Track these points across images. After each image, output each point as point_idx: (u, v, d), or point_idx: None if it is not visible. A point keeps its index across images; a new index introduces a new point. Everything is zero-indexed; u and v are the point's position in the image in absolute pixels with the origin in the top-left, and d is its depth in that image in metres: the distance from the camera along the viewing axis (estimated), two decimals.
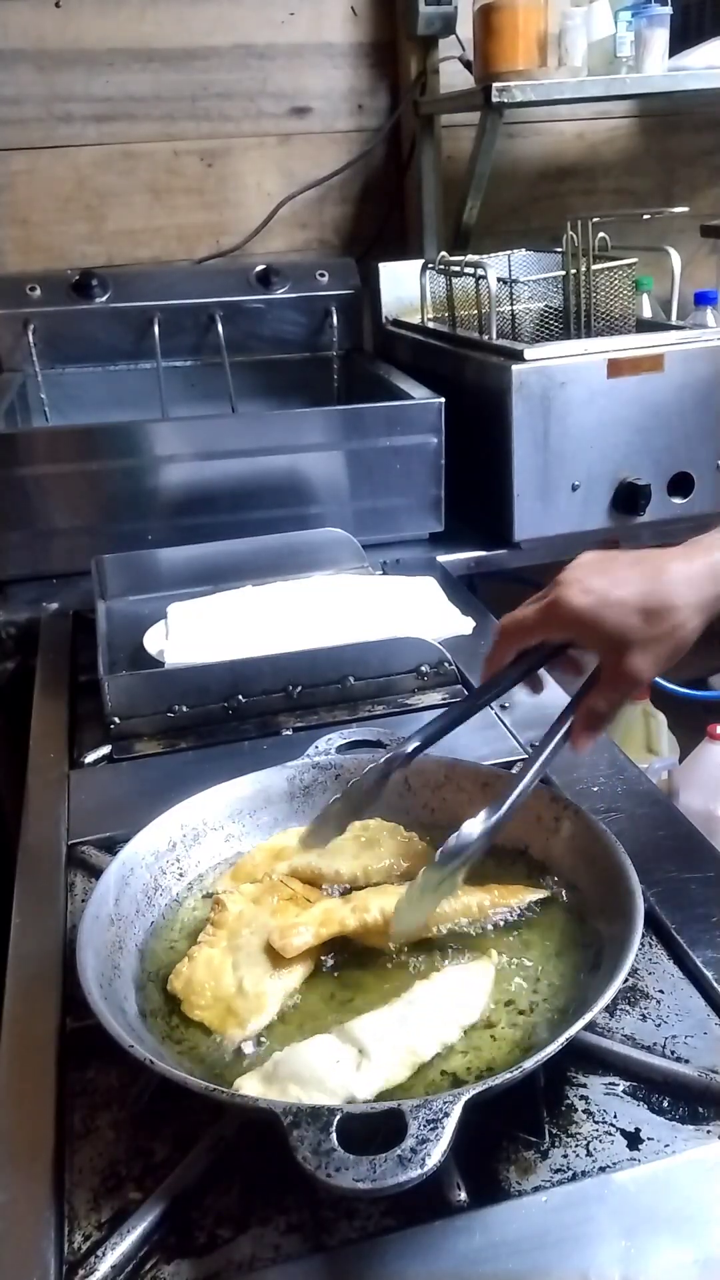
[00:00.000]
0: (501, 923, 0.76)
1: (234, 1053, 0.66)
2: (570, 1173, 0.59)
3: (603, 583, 0.74)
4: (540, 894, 0.78)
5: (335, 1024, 0.66)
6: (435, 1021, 0.65)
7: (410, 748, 0.81)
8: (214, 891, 0.80)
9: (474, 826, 0.70)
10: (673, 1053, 0.66)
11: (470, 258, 1.69)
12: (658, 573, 0.74)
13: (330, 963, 0.73)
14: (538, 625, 0.77)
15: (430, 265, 1.84)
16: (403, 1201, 0.57)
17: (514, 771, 0.77)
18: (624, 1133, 0.61)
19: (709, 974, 0.71)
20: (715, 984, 0.71)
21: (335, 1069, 0.61)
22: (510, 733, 1.04)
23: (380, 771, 0.80)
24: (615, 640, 0.73)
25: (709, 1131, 0.61)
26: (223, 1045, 0.67)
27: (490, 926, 0.76)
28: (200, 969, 0.71)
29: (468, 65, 1.89)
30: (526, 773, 0.74)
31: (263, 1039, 0.67)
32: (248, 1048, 0.66)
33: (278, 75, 2.02)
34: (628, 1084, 0.64)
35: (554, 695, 1.12)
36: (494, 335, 1.59)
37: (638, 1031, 0.68)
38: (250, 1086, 0.61)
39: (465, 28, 1.86)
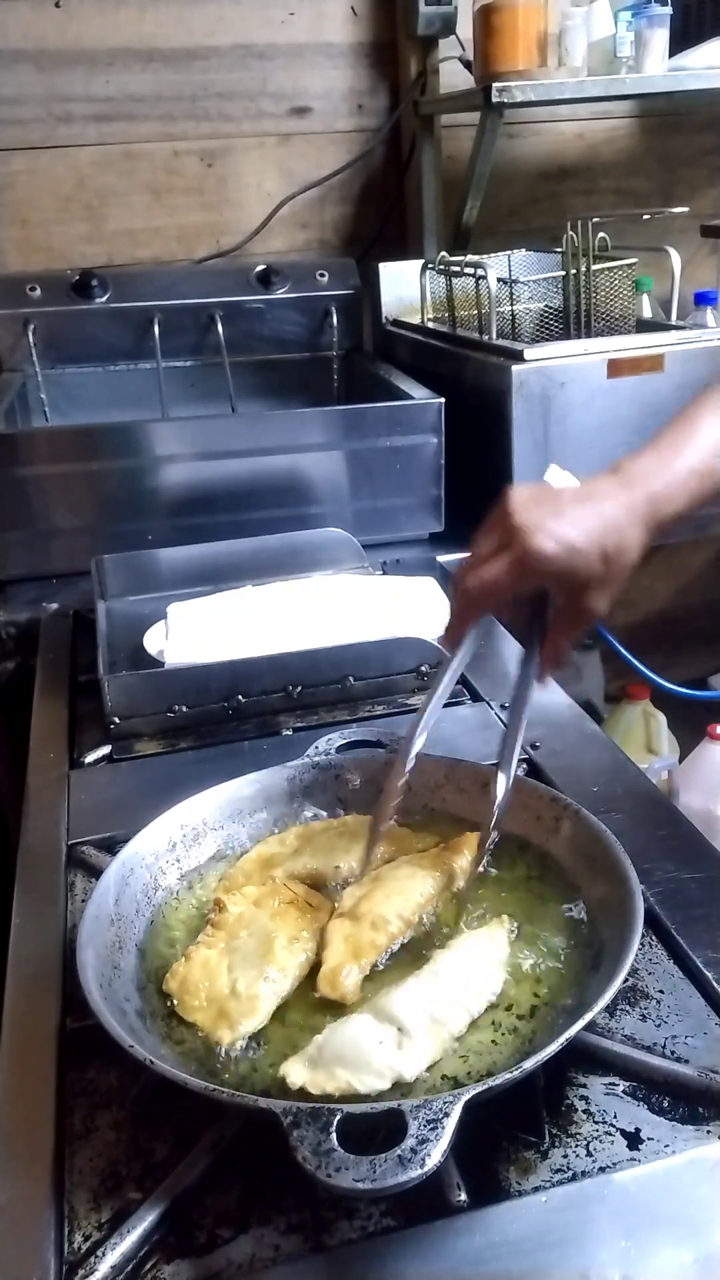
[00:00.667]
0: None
1: (224, 1054, 0.66)
2: (570, 1173, 0.59)
3: (563, 527, 0.74)
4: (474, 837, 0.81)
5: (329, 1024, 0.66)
6: (461, 994, 0.66)
7: (415, 745, 0.82)
8: (211, 902, 0.80)
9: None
10: (673, 1053, 0.66)
11: (470, 258, 1.69)
12: (609, 512, 0.75)
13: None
14: (510, 582, 0.75)
15: (430, 265, 1.84)
16: (403, 1201, 0.57)
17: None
18: (624, 1133, 0.61)
19: (709, 974, 0.71)
20: (715, 984, 0.71)
21: (379, 1050, 0.61)
22: None
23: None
24: (581, 583, 0.75)
25: (709, 1131, 0.61)
26: (219, 1045, 0.67)
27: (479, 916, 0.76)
28: (196, 969, 0.71)
29: (468, 65, 1.88)
30: (515, 720, 0.80)
31: (257, 1041, 0.67)
32: (239, 1049, 0.66)
33: (278, 75, 2.02)
34: (628, 1084, 0.64)
35: (557, 697, 1.12)
36: (494, 335, 1.59)
37: (638, 1031, 0.68)
38: (296, 1073, 0.61)
39: (465, 28, 1.86)
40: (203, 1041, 0.67)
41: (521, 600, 0.81)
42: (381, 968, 0.72)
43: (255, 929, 0.74)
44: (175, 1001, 0.70)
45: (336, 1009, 0.68)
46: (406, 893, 0.76)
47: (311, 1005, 0.70)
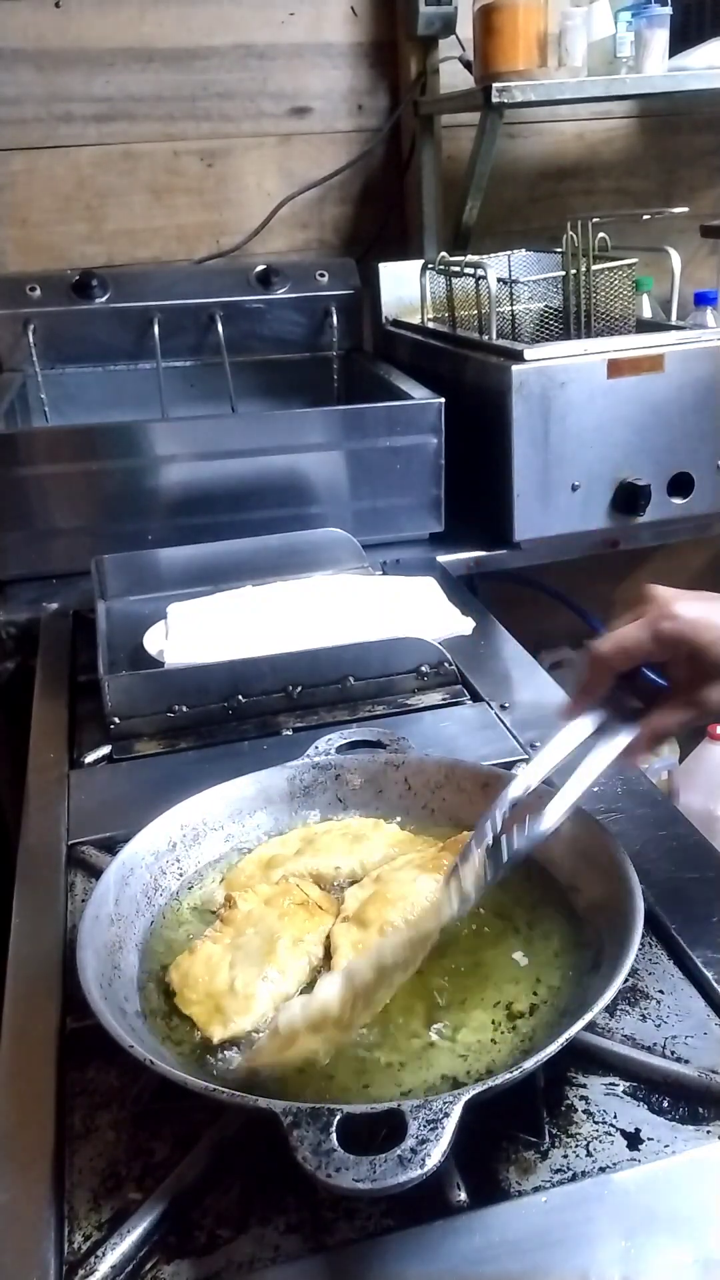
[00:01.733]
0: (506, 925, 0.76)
1: (210, 1048, 0.66)
2: (570, 1173, 0.59)
3: (703, 605, 0.72)
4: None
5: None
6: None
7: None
8: (215, 900, 0.80)
9: (539, 824, 0.69)
10: (673, 1053, 0.66)
11: (470, 258, 1.69)
12: None
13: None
14: (643, 642, 0.73)
15: (430, 265, 1.84)
16: (403, 1201, 0.57)
17: (551, 783, 0.75)
18: (624, 1133, 0.61)
19: (709, 974, 0.71)
20: (715, 984, 0.71)
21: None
22: (510, 733, 1.04)
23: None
24: (708, 663, 0.72)
25: (709, 1132, 0.61)
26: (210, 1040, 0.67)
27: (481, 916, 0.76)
28: (199, 963, 0.71)
29: (468, 65, 1.88)
30: (585, 777, 0.72)
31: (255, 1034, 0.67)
32: (230, 1047, 0.66)
33: (278, 75, 2.02)
34: (628, 1084, 0.64)
35: (557, 697, 1.12)
36: (494, 335, 1.59)
37: (638, 1032, 0.68)
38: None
39: (465, 28, 1.86)
40: (199, 1036, 0.67)
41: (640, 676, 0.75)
42: None
43: (262, 927, 0.74)
44: (174, 993, 0.70)
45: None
46: (411, 897, 0.75)
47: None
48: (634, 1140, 0.60)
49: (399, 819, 0.87)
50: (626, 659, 0.74)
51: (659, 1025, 0.68)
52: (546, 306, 1.66)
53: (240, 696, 1.10)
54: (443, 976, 0.71)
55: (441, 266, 1.76)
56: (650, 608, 0.73)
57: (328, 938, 0.74)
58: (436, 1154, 0.51)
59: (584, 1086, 0.64)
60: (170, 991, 0.71)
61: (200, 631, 1.21)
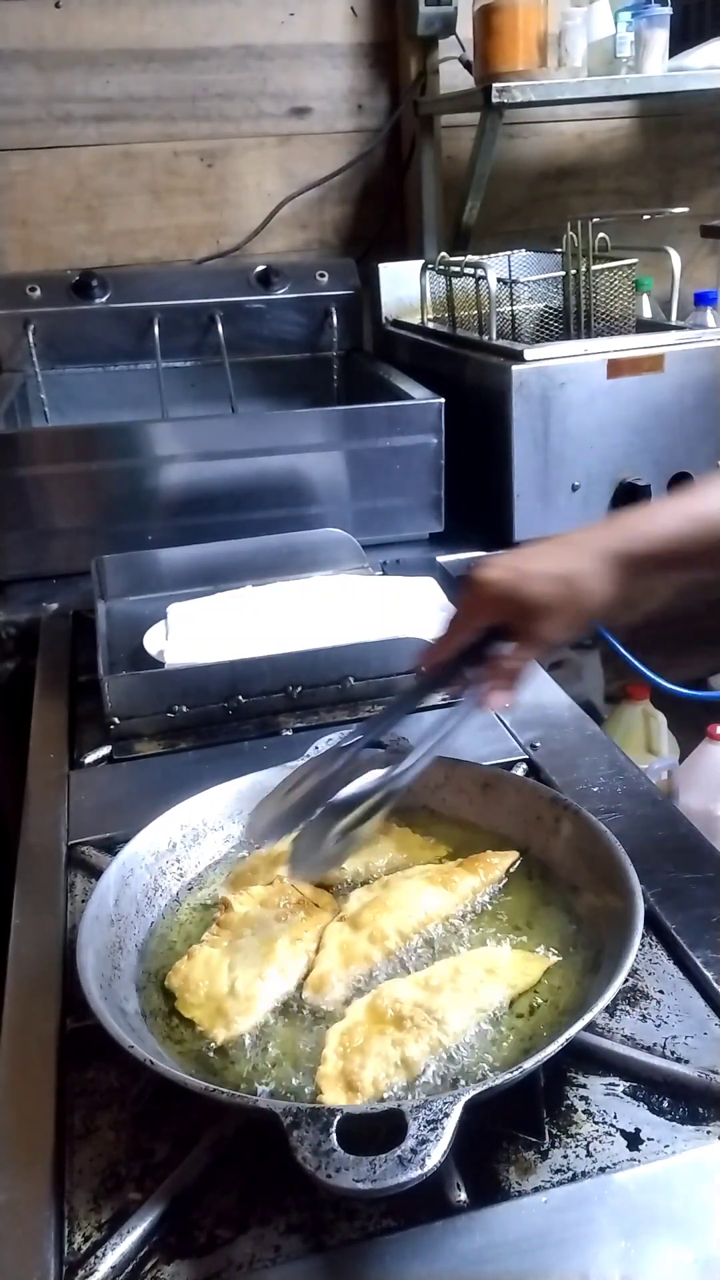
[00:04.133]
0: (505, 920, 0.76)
1: (219, 1050, 0.66)
2: (570, 1173, 0.59)
3: (516, 560, 0.77)
4: (510, 856, 0.80)
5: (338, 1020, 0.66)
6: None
7: (357, 740, 0.81)
8: (215, 900, 0.80)
9: (368, 780, 0.74)
10: (673, 1053, 0.66)
11: (470, 258, 1.69)
12: (573, 545, 0.77)
13: None
14: (466, 616, 0.78)
15: (430, 266, 1.84)
16: (403, 1202, 0.57)
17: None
18: (624, 1133, 0.61)
19: (709, 974, 0.71)
20: (715, 984, 0.71)
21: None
22: (510, 733, 1.04)
23: (339, 768, 0.78)
24: (529, 608, 0.76)
25: (709, 1132, 0.61)
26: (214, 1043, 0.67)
27: (481, 916, 0.76)
28: (198, 967, 0.71)
29: (468, 65, 1.88)
30: (433, 736, 0.78)
31: (261, 1035, 0.67)
32: (244, 1045, 0.66)
33: (278, 75, 2.02)
34: (628, 1084, 0.64)
35: (557, 697, 1.12)
36: (494, 336, 1.59)
37: (638, 1032, 0.68)
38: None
39: (465, 28, 1.86)
40: (204, 1041, 0.67)
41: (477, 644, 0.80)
42: (374, 980, 0.71)
43: (259, 929, 0.74)
44: (176, 999, 0.70)
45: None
46: (410, 907, 0.75)
47: (327, 1010, 0.69)
48: (634, 1140, 0.60)
49: (399, 819, 0.87)
50: (456, 637, 0.79)
51: (659, 1025, 0.68)
52: (546, 306, 1.66)
53: (240, 696, 1.10)
54: (443, 976, 0.70)
55: (441, 266, 1.76)
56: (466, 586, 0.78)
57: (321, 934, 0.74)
58: (436, 1154, 0.51)
59: (584, 1086, 0.64)
60: (171, 994, 0.71)
61: (200, 631, 1.21)
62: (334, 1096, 0.61)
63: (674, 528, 0.78)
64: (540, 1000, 0.68)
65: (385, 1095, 0.61)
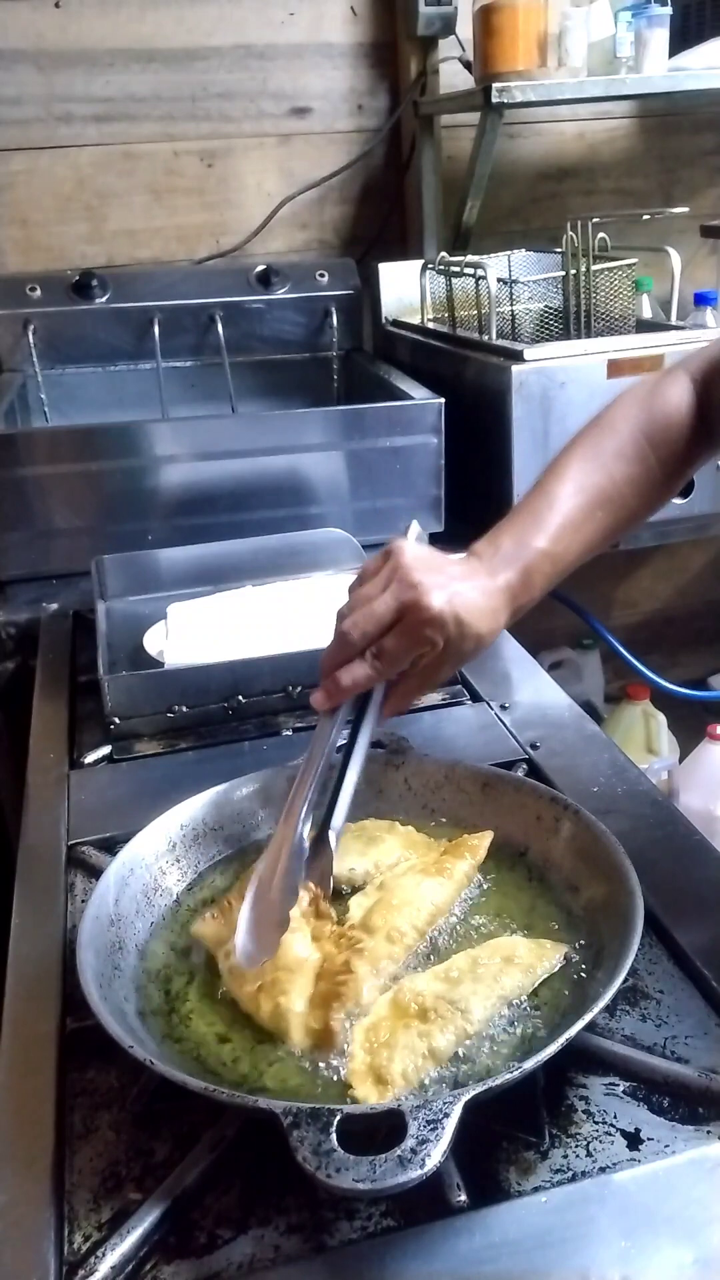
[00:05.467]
0: (506, 920, 0.76)
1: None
2: (570, 1173, 0.59)
3: (453, 595, 0.76)
4: (486, 836, 0.81)
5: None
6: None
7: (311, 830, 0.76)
8: (211, 903, 0.80)
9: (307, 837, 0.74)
10: (673, 1053, 0.66)
11: (470, 258, 1.69)
12: (483, 593, 0.78)
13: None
14: (396, 630, 0.77)
15: (430, 266, 1.84)
16: (403, 1202, 0.57)
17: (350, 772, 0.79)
18: (624, 1133, 0.61)
19: (709, 974, 0.71)
20: (715, 984, 0.71)
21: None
22: (510, 733, 1.04)
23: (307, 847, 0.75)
24: (449, 651, 0.78)
25: (709, 1132, 0.61)
26: (224, 1049, 0.67)
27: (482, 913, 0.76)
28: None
29: (468, 65, 1.88)
30: (348, 771, 0.78)
31: (256, 1043, 0.67)
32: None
33: (278, 75, 2.02)
34: (628, 1084, 0.64)
35: (557, 697, 1.12)
36: (494, 336, 1.59)
37: (638, 1031, 0.68)
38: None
39: (465, 28, 1.86)
40: (204, 1041, 0.67)
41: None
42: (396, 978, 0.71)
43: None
44: (187, 982, 0.71)
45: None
46: (416, 901, 0.75)
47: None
48: (634, 1140, 0.60)
49: (399, 819, 0.87)
50: (372, 640, 0.77)
51: (659, 1025, 0.68)
52: (546, 306, 1.66)
53: (240, 696, 1.10)
54: (462, 968, 0.70)
55: (441, 266, 1.76)
56: (405, 593, 0.76)
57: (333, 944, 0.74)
58: (436, 1154, 0.51)
59: (584, 1086, 0.64)
60: (170, 992, 0.71)
61: (200, 631, 1.21)
62: (364, 1091, 0.61)
63: (549, 571, 0.81)
64: (540, 1000, 0.68)
65: (416, 1087, 0.62)
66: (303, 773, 0.78)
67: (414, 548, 0.79)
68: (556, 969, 0.70)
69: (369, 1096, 0.61)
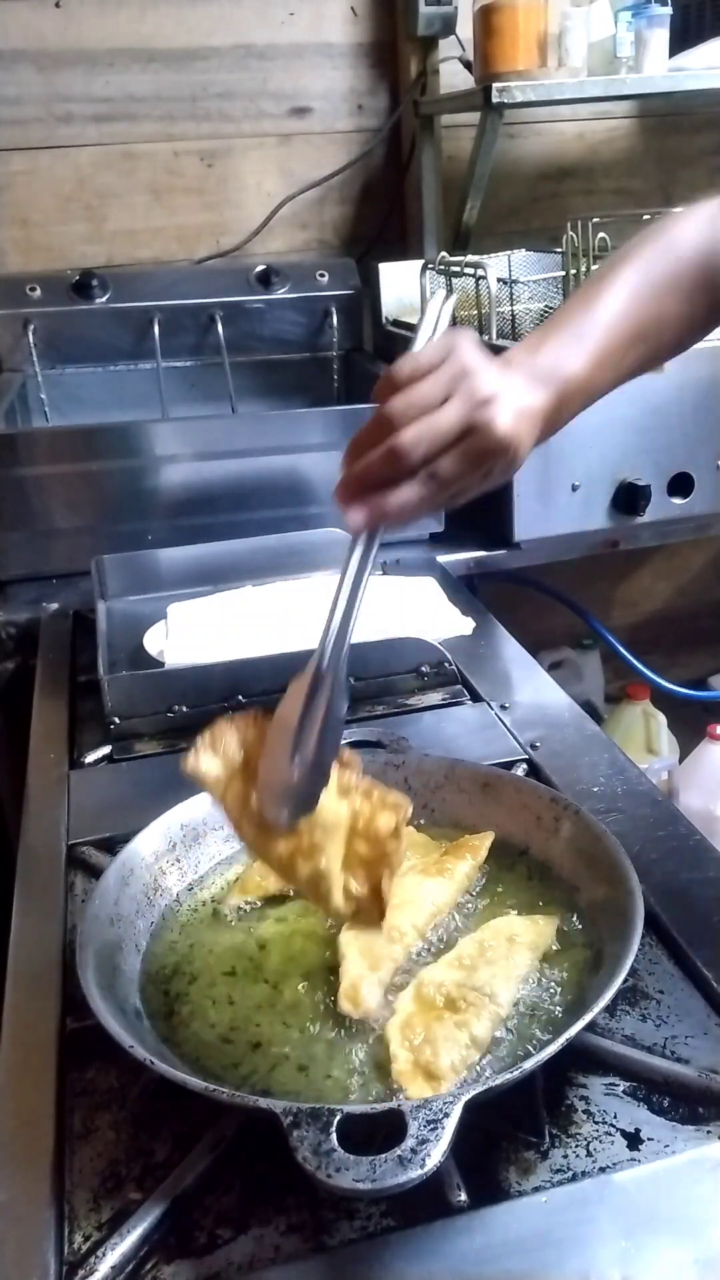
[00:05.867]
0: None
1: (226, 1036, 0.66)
2: (570, 1173, 0.59)
3: (517, 414, 0.66)
4: (487, 837, 0.81)
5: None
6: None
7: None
8: (219, 908, 0.80)
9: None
10: (673, 1053, 0.66)
11: (470, 258, 1.69)
12: (530, 418, 0.69)
13: None
14: (457, 450, 0.65)
15: (430, 266, 1.83)
16: (403, 1202, 0.57)
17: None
18: (624, 1133, 0.61)
19: (709, 974, 0.71)
20: (715, 984, 0.71)
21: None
22: (510, 733, 1.04)
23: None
24: (489, 480, 0.69)
25: (709, 1132, 0.61)
26: (225, 1049, 0.67)
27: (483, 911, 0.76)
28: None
29: (468, 65, 1.88)
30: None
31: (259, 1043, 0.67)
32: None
33: (278, 75, 2.02)
34: (628, 1084, 0.64)
35: (557, 697, 1.12)
36: (494, 336, 1.59)
37: (638, 1031, 0.68)
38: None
39: (465, 28, 1.86)
40: (204, 1041, 0.67)
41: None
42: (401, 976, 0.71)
43: None
44: (193, 979, 0.71)
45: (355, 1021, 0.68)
46: (417, 901, 0.75)
47: (328, 1011, 0.69)
48: (634, 1140, 0.60)
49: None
50: (428, 448, 0.65)
51: (659, 1025, 0.68)
52: (546, 306, 1.65)
53: (240, 696, 1.10)
54: (471, 953, 0.71)
55: (441, 266, 1.76)
56: (471, 404, 0.64)
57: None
58: (436, 1154, 0.51)
59: (584, 1086, 0.64)
60: (170, 992, 0.71)
61: (200, 631, 1.21)
62: (417, 1089, 0.61)
63: (599, 394, 0.73)
64: (540, 1000, 0.68)
65: (468, 1076, 0.62)
66: (346, 608, 0.68)
67: (477, 345, 0.66)
68: (552, 940, 0.72)
69: (424, 1093, 0.60)
